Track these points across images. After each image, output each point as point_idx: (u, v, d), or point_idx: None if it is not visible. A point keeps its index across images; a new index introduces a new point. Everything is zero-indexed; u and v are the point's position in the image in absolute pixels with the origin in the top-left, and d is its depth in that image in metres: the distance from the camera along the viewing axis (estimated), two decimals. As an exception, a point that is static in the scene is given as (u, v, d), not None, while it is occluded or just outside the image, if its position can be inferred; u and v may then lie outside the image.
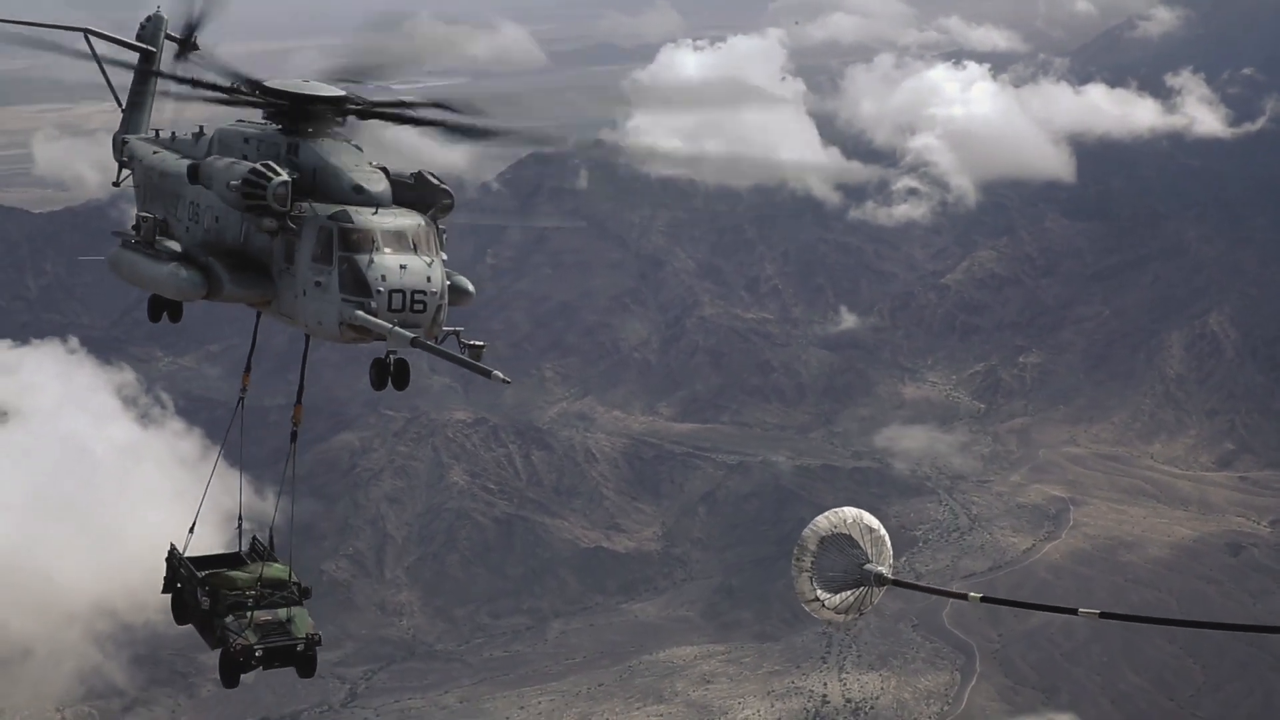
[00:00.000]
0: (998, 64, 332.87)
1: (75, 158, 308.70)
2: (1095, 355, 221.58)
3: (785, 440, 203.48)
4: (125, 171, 37.44)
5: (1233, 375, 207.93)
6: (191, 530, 35.76)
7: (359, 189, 29.60)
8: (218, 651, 33.34)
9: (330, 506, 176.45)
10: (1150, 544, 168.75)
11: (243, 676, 33.17)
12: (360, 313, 28.05)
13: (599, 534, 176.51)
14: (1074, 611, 25.39)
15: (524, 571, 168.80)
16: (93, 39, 36.70)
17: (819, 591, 24.52)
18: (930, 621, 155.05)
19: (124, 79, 37.81)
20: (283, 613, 34.15)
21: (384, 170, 30.40)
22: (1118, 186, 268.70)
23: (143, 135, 37.42)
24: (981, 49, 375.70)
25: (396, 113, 30.61)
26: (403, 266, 28.39)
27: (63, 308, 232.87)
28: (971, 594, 26.23)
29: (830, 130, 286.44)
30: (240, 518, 37.32)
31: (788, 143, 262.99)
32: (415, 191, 30.42)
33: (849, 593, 24.58)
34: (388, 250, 28.53)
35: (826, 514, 25.17)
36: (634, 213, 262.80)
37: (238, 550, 36.59)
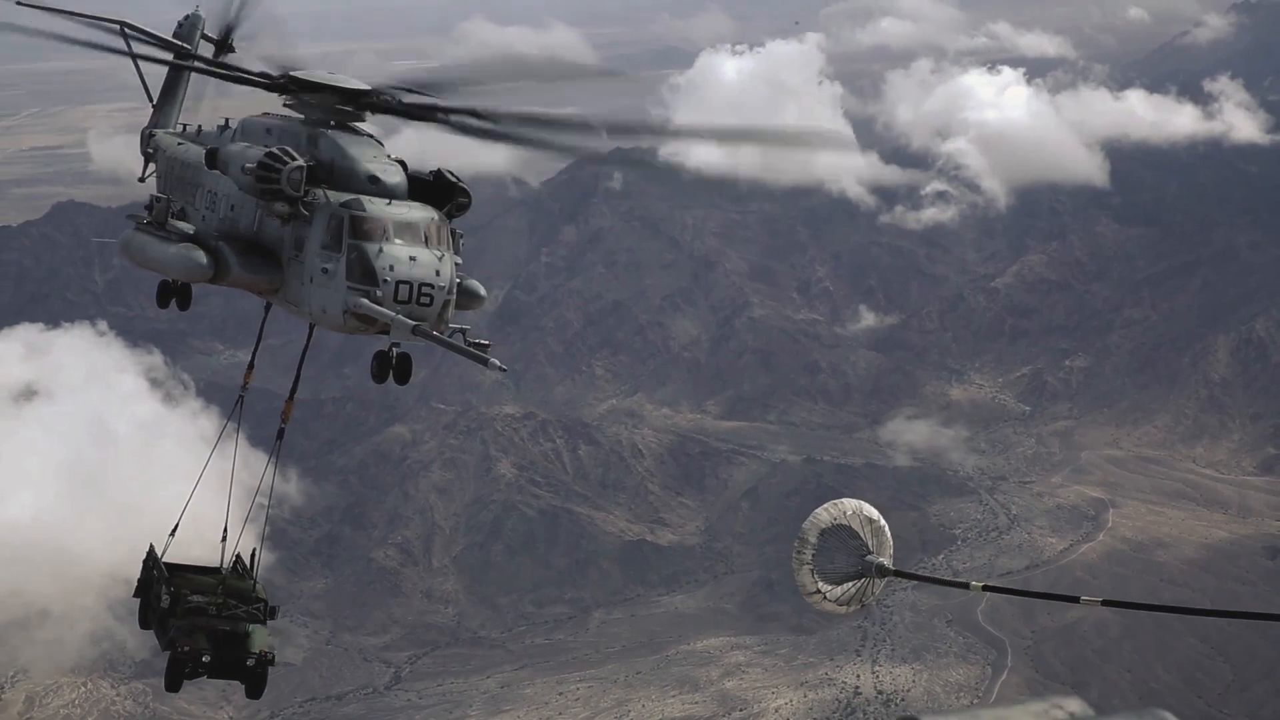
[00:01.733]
0: (1039, 70, 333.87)
1: (131, 154, 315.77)
2: (1141, 359, 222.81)
3: (830, 439, 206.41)
4: (151, 166, 37.44)
5: (1277, 380, 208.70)
6: (173, 534, 35.68)
7: (374, 179, 29.54)
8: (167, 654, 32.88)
9: (381, 496, 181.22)
10: (1186, 545, 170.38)
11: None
12: (365, 301, 27.88)
13: (643, 527, 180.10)
14: (1076, 600, 25.33)
15: (568, 563, 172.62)
16: (129, 34, 36.09)
17: (820, 584, 23.84)
18: (965, 617, 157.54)
19: (155, 74, 37.72)
20: (242, 626, 33.50)
21: (402, 164, 30.32)
22: (1171, 192, 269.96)
23: (170, 130, 37.58)
24: (1030, 55, 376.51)
25: (425, 112, 30.39)
26: (412, 258, 28.17)
27: (128, 300, 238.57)
28: (974, 583, 25.76)
29: (869, 134, 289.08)
30: (225, 530, 35.75)
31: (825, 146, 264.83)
32: (433, 189, 30.25)
33: (850, 584, 23.85)
34: (398, 241, 28.34)
35: (826, 506, 24.45)
36: (688, 214, 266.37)
37: (219, 565, 35.51)
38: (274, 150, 29.39)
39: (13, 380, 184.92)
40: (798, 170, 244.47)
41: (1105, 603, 24.44)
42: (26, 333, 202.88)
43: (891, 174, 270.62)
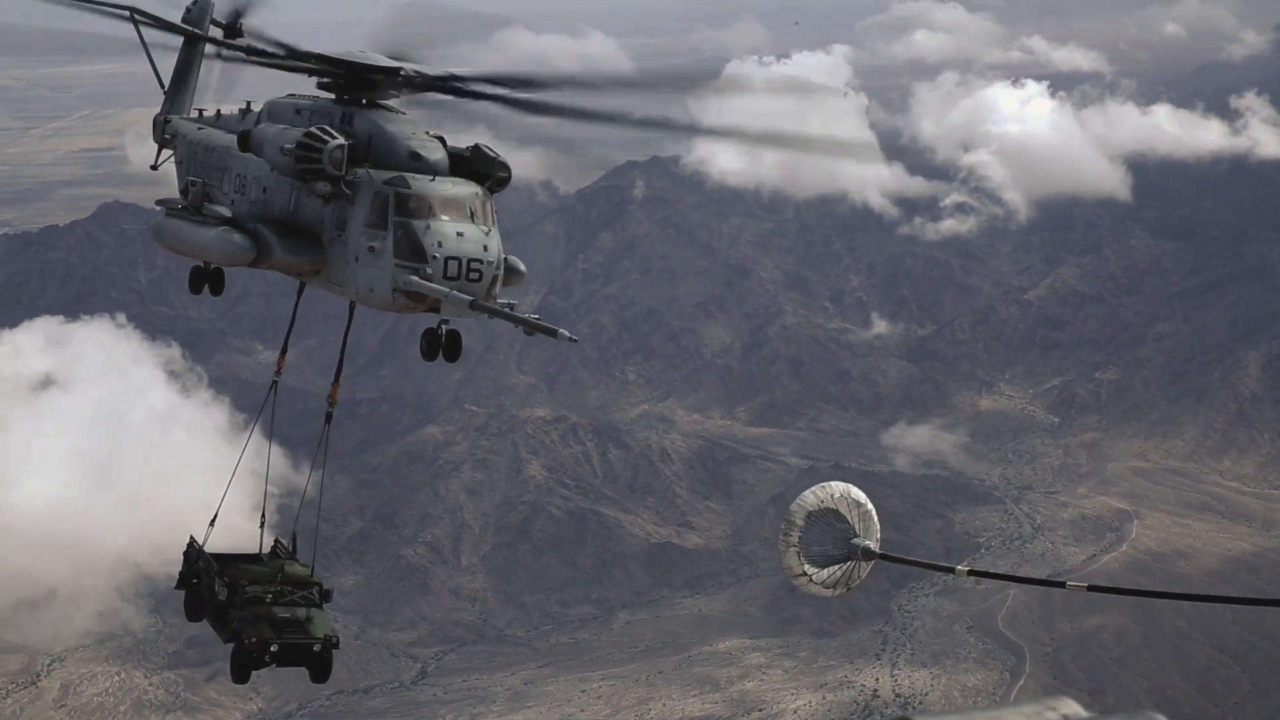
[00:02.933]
0: (1069, 84, 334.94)
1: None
2: (1171, 372, 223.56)
3: (858, 447, 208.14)
4: (165, 153, 37.32)
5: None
6: (212, 524, 35.63)
7: (416, 156, 29.42)
8: (230, 646, 32.73)
9: (412, 496, 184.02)
10: (1208, 556, 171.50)
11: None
12: (415, 278, 27.77)
13: (669, 530, 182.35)
14: (1062, 585, 25.44)
15: (594, 564, 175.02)
16: (139, 20, 36.16)
17: (806, 566, 23.82)
18: (984, 624, 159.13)
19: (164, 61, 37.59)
20: (301, 612, 33.29)
21: (441, 140, 30.28)
22: (1206, 207, 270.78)
23: (185, 115, 37.40)
24: (1065, 70, 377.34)
25: (453, 87, 30.36)
26: (459, 234, 28.06)
27: (170, 300, 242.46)
28: (959, 567, 25.48)
29: (895, 146, 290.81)
30: (264, 515, 36.27)
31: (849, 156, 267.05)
32: (472, 164, 30.17)
33: (836, 567, 23.79)
34: (445, 217, 28.26)
35: (813, 489, 24.29)
36: (724, 222, 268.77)
37: (258, 551, 35.77)
38: (313, 130, 29.28)
39: (32, 371, 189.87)
40: (823, 181, 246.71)
41: (1091, 588, 24.65)
42: (47, 325, 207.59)
43: (917, 185, 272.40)
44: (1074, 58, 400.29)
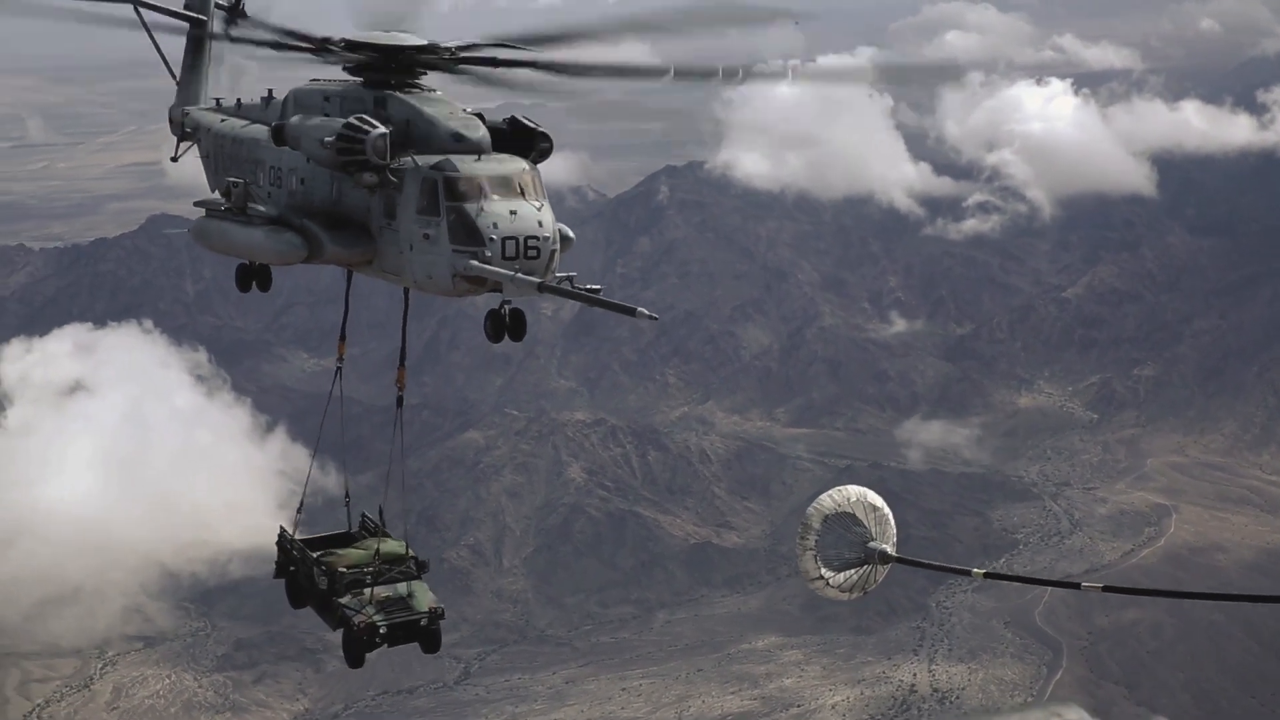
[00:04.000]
0: (1097, 82, 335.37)
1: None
2: (1209, 369, 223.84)
3: (895, 446, 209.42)
4: (184, 145, 37.08)
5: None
6: (300, 510, 35.83)
7: (459, 136, 28.99)
8: (339, 632, 32.71)
9: (454, 499, 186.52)
10: (1246, 549, 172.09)
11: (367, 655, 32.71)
12: (475, 262, 27.40)
13: (708, 531, 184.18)
14: (1078, 586, 25.68)
15: (634, 564, 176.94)
16: (141, 10, 36.01)
17: (823, 570, 24.46)
18: (1022, 619, 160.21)
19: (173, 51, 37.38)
20: (402, 587, 33.15)
21: (479, 117, 29.79)
22: (1245, 203, 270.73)
23: (203, 105, 36.96)
24: (1098, 68, 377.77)
25: (485, 66, 29.85)
26: (513, 212, 27.69)
27: (217, 310, 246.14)
28: (975, 570, 26.05)
29: (921, 146, 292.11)
30: (347, 493, 35.82)
31: (876, 158, 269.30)
32: (512, 138, 29.88)
33: (853, 571, 24.46)
34: (496, 197, 27.84)
35: (830, 492, 25.05)
36: (761, 226, 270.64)
37: (347, 529, 35.73)
38: (352, 121, 28.80)
39: (62, 376, 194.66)
40: (850, 183, 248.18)
41: (1106, 588, 24.71)
42: (76, 332, 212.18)
43: (944, 185, 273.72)
44: (1107, 56, 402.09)
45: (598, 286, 27.33)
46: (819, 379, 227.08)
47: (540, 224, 27.71)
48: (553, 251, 27.71)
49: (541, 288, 26.87)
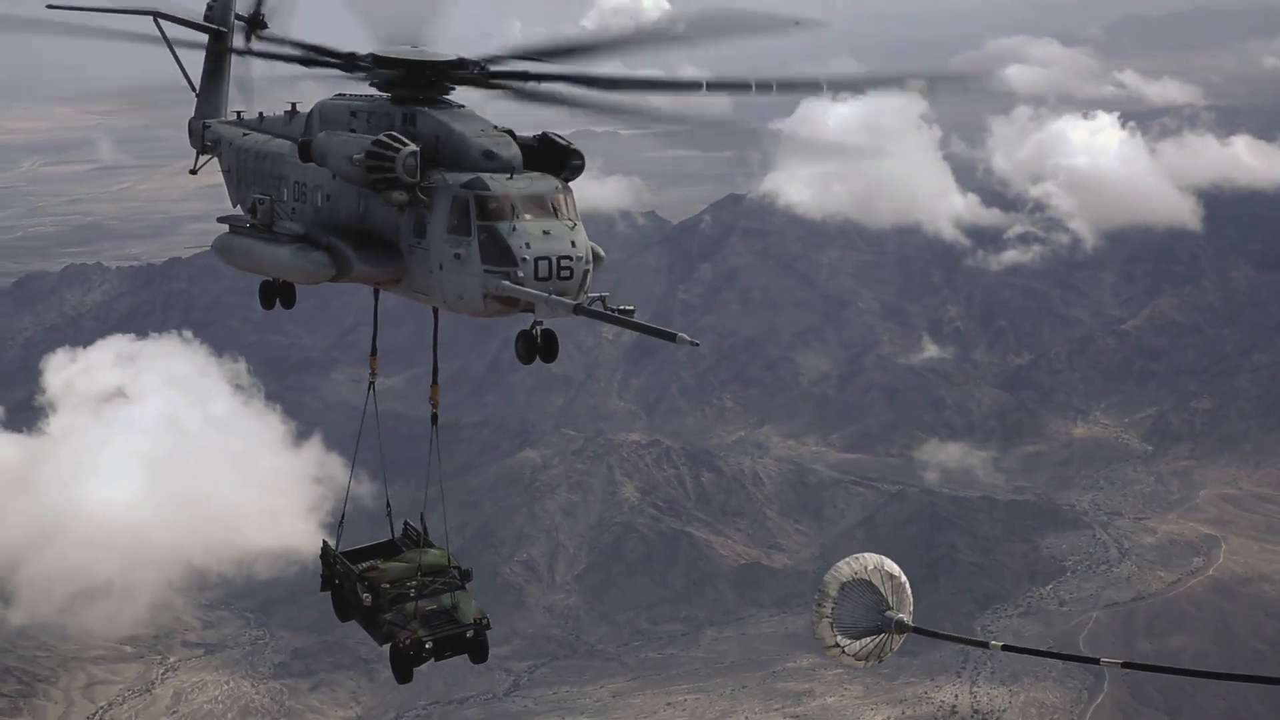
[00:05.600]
0: (1152, 118, 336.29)
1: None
2: (1267, 403, 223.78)
3: (950, 473, 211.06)
4: (204, 158, 37.18)
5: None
6: (341, 524, 35.62)
7: (490, 154, 28.53)
8: (387, 647, 32.63)
9: (510, 516, 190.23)
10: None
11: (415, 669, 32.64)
12: (507, 283, 26.96)
13: (759, 551, 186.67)
14: (1097, 661, 25.70)
15: (684, 583, 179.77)
16: (162, 22, 35.81)
17: (839, 638, 24.35)
18: (1066, 644, 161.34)
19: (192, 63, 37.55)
20: (446, 599, 33.05)
21: (510, 134, 29.34)
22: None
23: (225, 119, 36.92)
24: (1158, 103, 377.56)
25: (517, 82, 29.46)
26: (545, 232, 27.31)
27: (285, 329, 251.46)
28: (993, 642, 26.42)
29: (970, 178, 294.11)
30: (389, 504, 36.18)
31: (924, 189, 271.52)
32: (543, 155, 29.44)
33: (869, 639, 24.44)
34: (528, 216, 27.42)
35: (847, 560, 25.01)
36: (823, 254, 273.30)
37: (390, 538, 35.84)
38: (382, 138, 28.34)
39: (103, 385, 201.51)
40: (897, 213, 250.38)
41: (1126, 665, 24.91)
42: (119, 342, 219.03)
43: (993, 216, 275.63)
44: (1168, 92, 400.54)
45: (630, 307, 26.70)
46: (876, 406, 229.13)
47: (574, 244, 27.37)
48: (586, 271, 27.42)
49: (577, 309, 26.43)
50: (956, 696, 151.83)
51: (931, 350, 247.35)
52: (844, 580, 24.37)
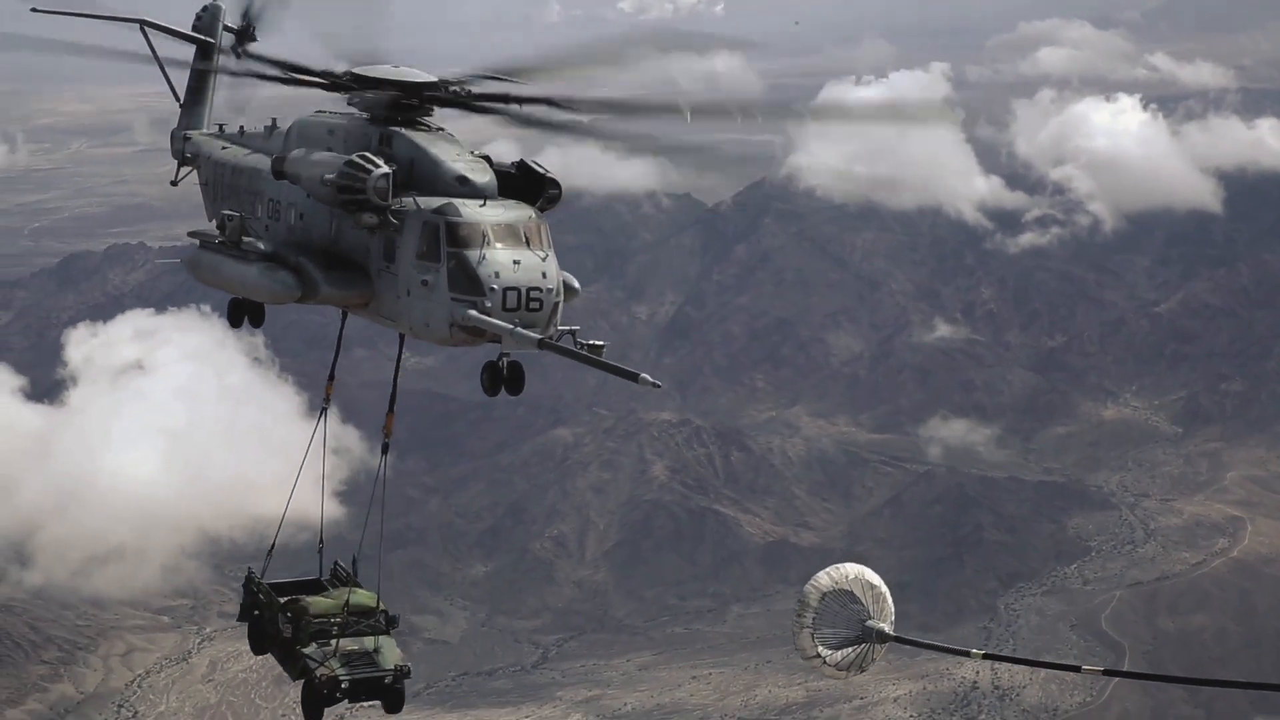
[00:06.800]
0: (1172, 101, 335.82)
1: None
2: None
3: (978, 454, 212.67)
4: (185, 169, 36.48)
5: None
6: (270, 554, 34.85)
7: (464, 180, 27.88)
8: (300, 682, 31.89)
9: (541, 493, 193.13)
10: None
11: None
12: (473, 313, 26.34)
13: (787, 530, 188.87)
14: (1077, 669, 25.71)
15: (712, 560, 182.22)
16: (149, 31, 35.32)
17: (820, 648, 24.35)
18: (1088, 622, 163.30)
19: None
20: (369, 641, 32.21)
21: (486, 159, 28.78)
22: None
23: (206, 131, 36.31)
24: (1191, 86, 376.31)
25: (495, 104, 28.87)
26: (516, 262, 26.66)
27: (325, 309, 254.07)
28: (974, 651, 26.31)
29: (994, 160, 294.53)
30: (321, 539, 35.07)
31: (947, 171, 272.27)
32: (519, 183, 28.75)
33: (850, 649, 24.42)
34: (499, 245, 26.78)
35: (828, 570, 25.20)
36: (858, 236, 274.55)
37: (318, 577, 34.95)
38: (354, 159, 27.78)
39: (122, 358, 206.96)
40: (917, 196, 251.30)
41: (1107, 672, 25.89)
42: (137, 317, 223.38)
43: (1017, 199, 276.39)
44: (1200, 74, 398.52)
45: (601, 344, 26.26)
46: (906, 386, 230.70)
47: (544, 275, 26.75)
48: (555, 304, 26.75)
49: (542, 344, 25.79)
50: (978, 673, 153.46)
51: (963, 331, 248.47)
52: (825, 590, 24.39)
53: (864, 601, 24.21)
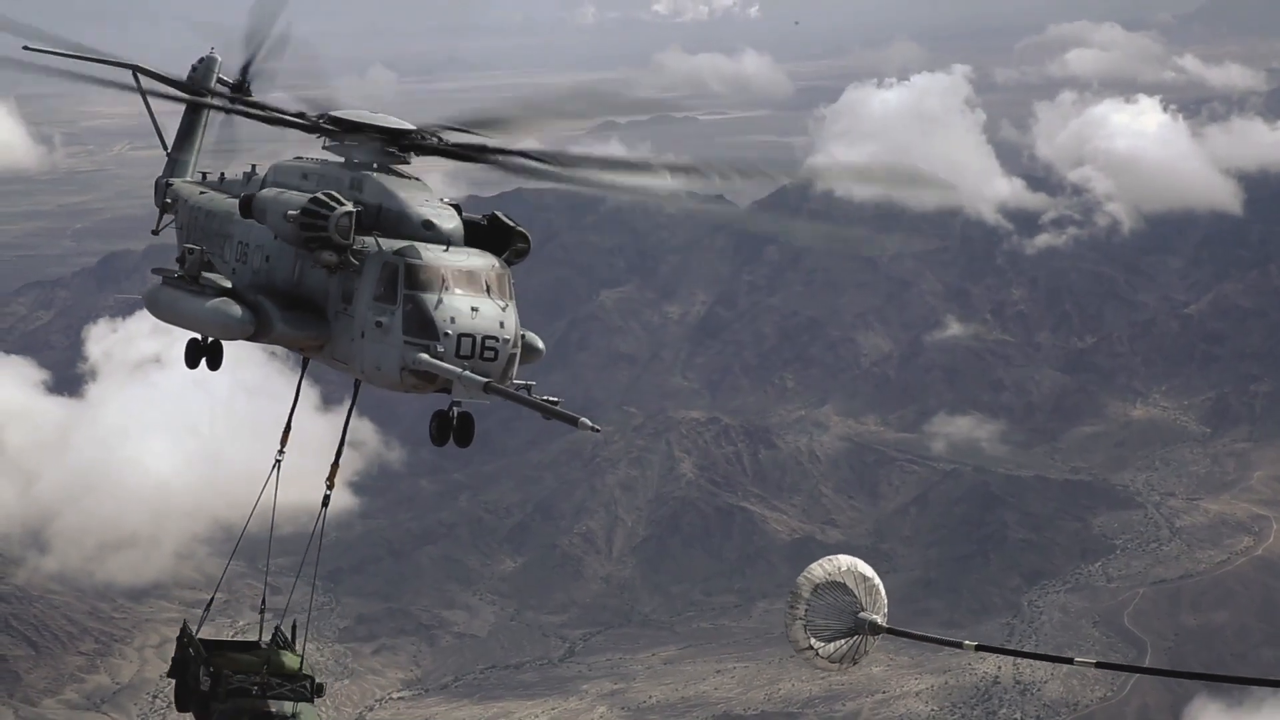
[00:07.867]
0: (1196, 104, 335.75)
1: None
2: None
3: (1005, 453, 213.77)
4: (166, 218, 35.74)
5: None
6: (207, 609, 35.11)
7: (429, 225, 27.75)
8: None
9: (570, 490, 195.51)
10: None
11: None
12: (425, 356, 25.93)
13: (813, 527, 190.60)
14: (1070, 661, 26.91)
15: (738, 556, 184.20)
16: (141, 77, 34.70)
17: (812, 640, 24.47)
18: (1111, 619, 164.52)
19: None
20: (288, 707, 31.73)
21: (456, 208, 28.76)
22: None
23: (188, 179, 35.90)
24: (1217, 87, 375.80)
25: (473, 153, 28.93)
26: (474, 309, 26.24)
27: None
28: (966, 642, 26.77)
29: (1016, 162, 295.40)
30: (264, 603, 34.49)
31: (969, 173, 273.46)
32: (489, 234, 28.63)
33: (843, 641, 24.60)
34: (458, 291, 26.39)
35: (820, 562, 24.97)
36: (889, 239, 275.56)
37: (257, 639, 34.53)
38: (319, 196, 27.49)
39: (141, 353, 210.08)
40: (939, 196, 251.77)
41: (1099, 664, 27.30)
42: None
43: (1039, 201, 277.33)
44: (1229, 76, 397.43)
45: (556, 399, 26.48)
46: (935, 386, 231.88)
47: (502, 324, 26.35)
48: (512, 355, 26.46)
49: (488, 388, 25.60)
50: (999, 667, 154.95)
51: (994, 332, 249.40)
52: (817, 582, 24.14)
53: (856, 593, 24.23)
